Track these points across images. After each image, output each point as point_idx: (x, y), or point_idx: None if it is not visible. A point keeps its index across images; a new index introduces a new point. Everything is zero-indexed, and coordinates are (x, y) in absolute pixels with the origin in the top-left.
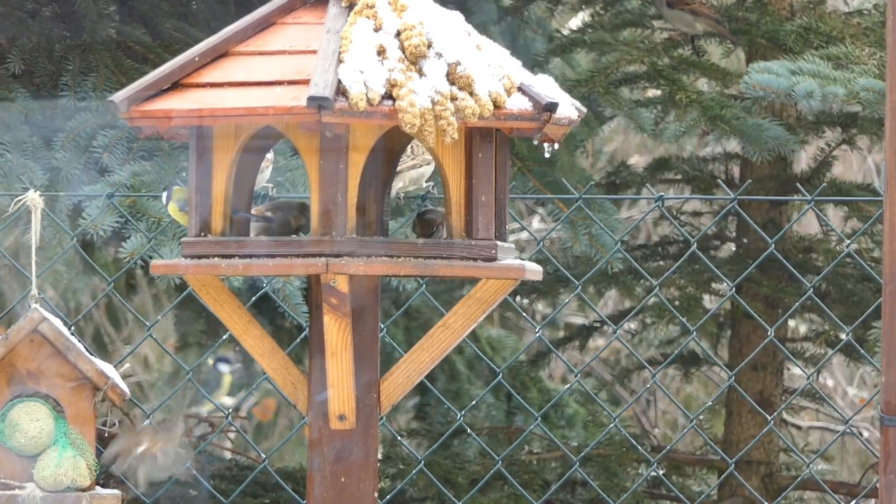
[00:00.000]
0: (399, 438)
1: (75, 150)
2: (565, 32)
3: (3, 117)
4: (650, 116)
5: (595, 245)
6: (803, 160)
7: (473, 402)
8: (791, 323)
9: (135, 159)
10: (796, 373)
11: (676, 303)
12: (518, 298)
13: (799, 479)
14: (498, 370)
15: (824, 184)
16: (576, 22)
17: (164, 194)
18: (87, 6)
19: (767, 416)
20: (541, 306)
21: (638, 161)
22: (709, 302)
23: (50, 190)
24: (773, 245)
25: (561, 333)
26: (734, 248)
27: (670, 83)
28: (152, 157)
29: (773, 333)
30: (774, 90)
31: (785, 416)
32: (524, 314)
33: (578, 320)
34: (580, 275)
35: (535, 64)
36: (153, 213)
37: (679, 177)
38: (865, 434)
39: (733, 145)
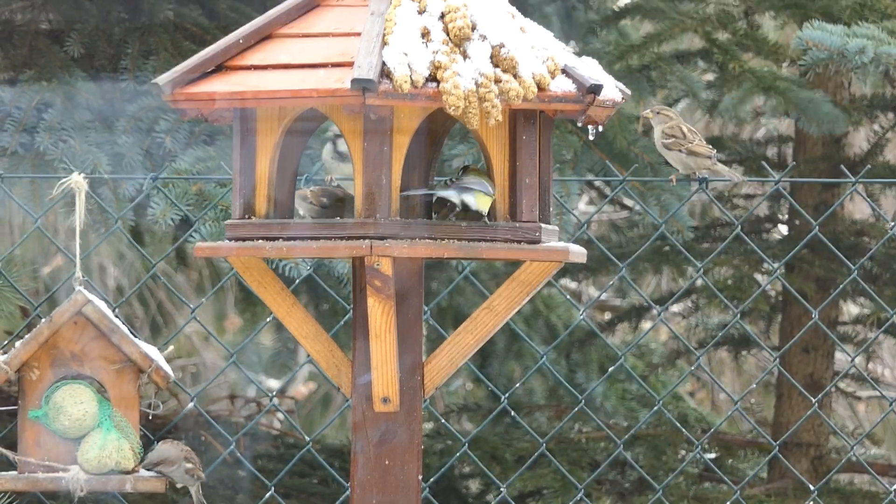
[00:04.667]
0: (443, 421)
1: (137, 134)
2: (616, 8)
3: (64, 102)
4: (703, 84)
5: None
6: (856, 144)
7: (520, 382)
8: (845, 306)
9: (197, 143)
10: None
11: (730, 282)
12: (564, 280)
13: (843, 461)
14: (540, 353)
15: (868, 166)
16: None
17: None
18: None
19: (816, 398)
20: (592, 289)
21: None
22: (763, 283)
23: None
24: (816, 227)
25: (607, 315)
26: (787, 231)
27: (723, 53)
28: (214, 142)
29: (817, 316)
30: (827, 47)
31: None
32: (567, 296)
33: (637, 299)
34: (631, 255)
35: (588, 31)
36: (222, 202)
37: (731, 158)
38: None
39: (786, 126)
